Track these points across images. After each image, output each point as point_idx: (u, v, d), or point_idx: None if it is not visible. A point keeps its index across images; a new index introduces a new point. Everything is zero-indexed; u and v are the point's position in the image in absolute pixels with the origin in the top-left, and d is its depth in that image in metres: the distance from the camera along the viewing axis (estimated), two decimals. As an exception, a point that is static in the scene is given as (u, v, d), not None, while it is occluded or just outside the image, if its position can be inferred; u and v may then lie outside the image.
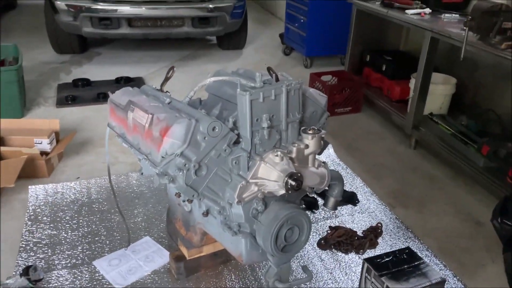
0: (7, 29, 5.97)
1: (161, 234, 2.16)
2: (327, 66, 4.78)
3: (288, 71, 4.84)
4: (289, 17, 5.08)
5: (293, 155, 1.48)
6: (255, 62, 5.03)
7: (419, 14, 3.11)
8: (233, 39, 5.28)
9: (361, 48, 4.02)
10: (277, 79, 1.50)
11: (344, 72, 4.06)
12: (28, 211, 2.29)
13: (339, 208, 2.36)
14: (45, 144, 2.68)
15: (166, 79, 1.67)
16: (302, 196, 1.65)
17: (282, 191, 1.41)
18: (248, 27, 5.37)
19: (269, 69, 1.54)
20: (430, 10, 3.15)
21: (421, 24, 2.96)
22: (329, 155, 2.93)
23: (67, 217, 2.26)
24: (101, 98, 3.77)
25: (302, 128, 1.51)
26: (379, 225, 2.23)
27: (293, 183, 1.38)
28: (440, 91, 3.24)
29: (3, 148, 2.57)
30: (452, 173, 2.87)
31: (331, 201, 1.79)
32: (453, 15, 3.05)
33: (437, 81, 3.28)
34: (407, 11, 3.16)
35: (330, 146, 2.98)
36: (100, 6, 4.32)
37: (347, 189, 2.55)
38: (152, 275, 1.91)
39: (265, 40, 5.96)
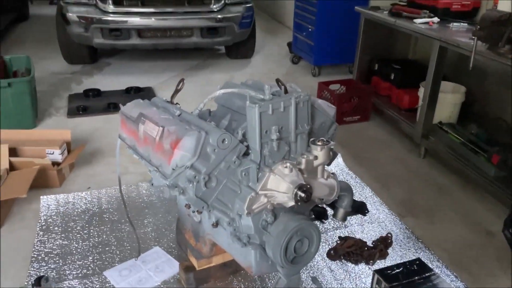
0: (20, 40, 6.08)
1: (171, 244, 2.17)
2: (335, 74, 4.80)
3: (296, 80, 4.88)
4: (297, 26, 5.10)
5: (302, 167, 1.49)
6: (264, 71, 5.06)
7: (427, 23, 3.11)
8: (241, 49, 5.32)
9: (369, 57, 4.03)
10: (286, 91, 1.51)
11: (353, 81, 4.06)
12: (40, 221, 2.32)
13: (348, 218, 2.35)
14: (56, 154, 2.72)
15: (176, 91, 1.69)
16: (311, 207, 1.65)
17: (292, 203, 1.41)
18: (257, 36, 5.41)
19: (278, 80, 1.55)
20: (439, 19, 3.16)
21: (430, 34, 2.96)
22: (338, 164, 2.93)
23: (78, 227, 2.29)
24: (112, 108, 3.81)
25: (311, 139, 1.52)
26: (389, 235, 2.22)
27: (303, 194, 1.38)
28: (449, 100, 3.23)
29: (15, 159, 2.60)
30: (462, 183, 2.85)
31: (341, 212, 1.79)
32: (462, 24, 3.05)
33: (446, 89, 3.27)
34: (415, 20, 3.16)
35: (339, 155, 2.98)
36: (111, 17, 4.39)
37: (356, 199, 2.53)
38: (162, 286, 1.92)
39: (273, 49, 6.00)
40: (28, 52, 4.23)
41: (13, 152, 2.65)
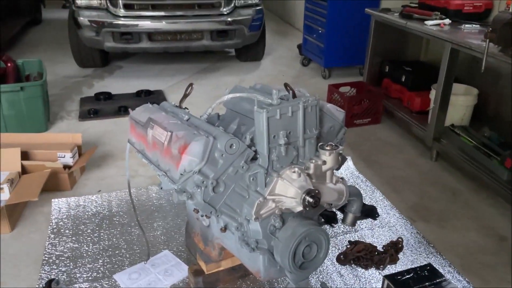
0: (32, 44, 6.16)
1: (180, 247, 2.17)
2: (345, 76, 4.77)
3: (306, 82, 4.86)
4: (307, 28, 5.09)
5: (311, 171, 1.48)
6: (274, 74, 5.06)
7: (438, 25, 3.08)
8: (251, 51, 5.33)
9: (380, 59, 4.00)
10: (294, 96, 1.51)
11: (363, 83, 4.03)
12: (51, 224, 2.34)
13: (358, 222, 2.34)
14: (68, 158, 2.74)
15: (185, 95, 1.69)
16: (320, 212, 1.64)
17: (300, 208, 1.41)
18: (266, 38, 5.41)
19: (286, 85, 1.55)
20: (450, 21, 3.12)
21: (441, 36, 2.92)
22: (348, 167, 2.91)
23: (89, 230, 2.30)
24: (122, 111, 3.84)
25: (320, 144, 1.51)
26: (400, 240, 2.19)
27: (311, 200, 1.38)
28: (462, 102, 3.19)
29: (27, 162, 2.63)
30: (474, 187, 2.81)
31: (350, 217, 1.77)
32: (474, 25, 3.01)
33: (458, 92, 3.23)
34: (426, 22, 3.13)
35: (349, 158, 2.96)
36: (122, 21, 4.42)
37: (366, 203, 2.52)
38: (171, 289, 1.92)
39: (283, 51, 5.99)
40: (40, 56, 4.29)
41: (25, 155, 2.68)
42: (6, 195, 2.38)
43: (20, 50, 5.74)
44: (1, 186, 2.37)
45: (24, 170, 2.60)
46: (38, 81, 3.43)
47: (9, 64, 3.54)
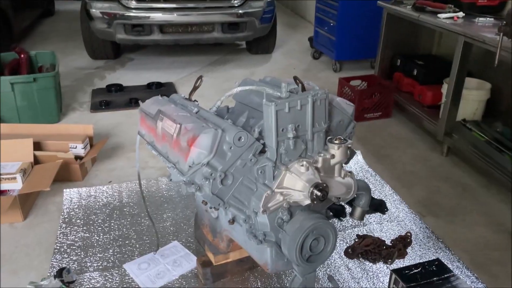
0: (45, 36, 6.21)
1: (189, 239, 2.20)
2: (356, 70, 4.74)
3: (317, 76, 4.83)
4: (319, 20, 5.05)
5: (319, 165, 1.47)
6: (284, 67, 5.04)
7: (451, 18, 3.04)
8: (262, 44, 5.31)
9: (392, 52, 3.96)
10: (303, 89, 1.50)
11: (374, 77, 4.00)
12: (62, 213, 2.38)
13: (367, 216, 2.34)
14: (79, 148, 2.77)
15: (194, 88, 1.70)
16: (328, 206, 1.64)
17: (308, 201, 1.41)
18: (278, 31, 5.38)
19: (295, 78, 1.54)
20: (464, 14, 3.07)
21: (454, 29, 2.89)
22: (358, 161, 2.90)
23: (99, 220, 2.33)
24: (133, 103, 3.86)
25: (328, 137, 1.51)
26: (409, 234, 2.19)
27: (319, 193, 1.38)
28: (474, 97, 3.15)
29: (39, 153, 2.67)
30: (485, 182, 2.79)
31: (358, 211, 1.77)
32: (488, 19, 2.96)
33: (470, 86, 3.19)
34: (439, 15, 3.09)
35: (358, 152, 2.95)
36: (133, 13, 4.43)
37: (376, 197, 2.51)
38: (179, 280, 1.95)
39: (294, 44, 5.96)
40: (53, 48, 4.33)
41: (37, 146, 2.72)
42: (19, 184, 2.43)
43: (33, 42, 5.80)
44: (14, 176, 2.42)
45: (36, 161, 2.64)
46: (51, 72, 3.46)
47: (22, 56, 3.59)
